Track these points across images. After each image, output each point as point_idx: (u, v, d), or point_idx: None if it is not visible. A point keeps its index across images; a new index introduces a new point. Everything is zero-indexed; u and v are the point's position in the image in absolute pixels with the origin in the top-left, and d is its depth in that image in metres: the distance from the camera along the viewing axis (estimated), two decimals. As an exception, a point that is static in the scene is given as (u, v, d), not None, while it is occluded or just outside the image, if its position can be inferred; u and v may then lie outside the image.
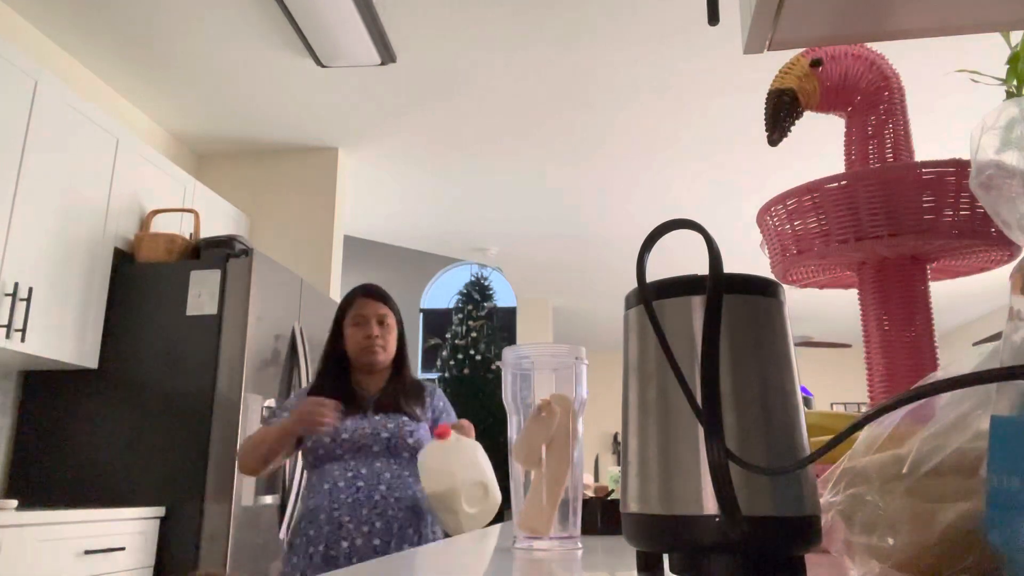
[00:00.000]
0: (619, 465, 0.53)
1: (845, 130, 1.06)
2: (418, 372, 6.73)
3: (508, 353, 0.82)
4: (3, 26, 2.92)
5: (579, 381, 0.80)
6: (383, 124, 3.94)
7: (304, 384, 3.08)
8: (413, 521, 1.77)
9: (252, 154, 4.23)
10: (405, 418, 1.86)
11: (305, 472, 1.90)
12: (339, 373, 1.93)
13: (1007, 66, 0.88)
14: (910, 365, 0.94)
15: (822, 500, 0.48)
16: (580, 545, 0.77)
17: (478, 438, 1.88)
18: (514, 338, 7.21)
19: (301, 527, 1.76)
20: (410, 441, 1.83)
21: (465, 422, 1.85)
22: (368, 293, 1.97)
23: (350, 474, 1.77)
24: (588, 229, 5.43)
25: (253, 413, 2.82)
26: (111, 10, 3.00)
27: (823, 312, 7.35)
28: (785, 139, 1.04)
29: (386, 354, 1.92)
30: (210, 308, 2.89)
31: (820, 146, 3.97)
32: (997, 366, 0.38)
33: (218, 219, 3.65)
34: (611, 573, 0.63)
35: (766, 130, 1.04)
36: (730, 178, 4.52)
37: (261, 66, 3.36)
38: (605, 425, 9.16)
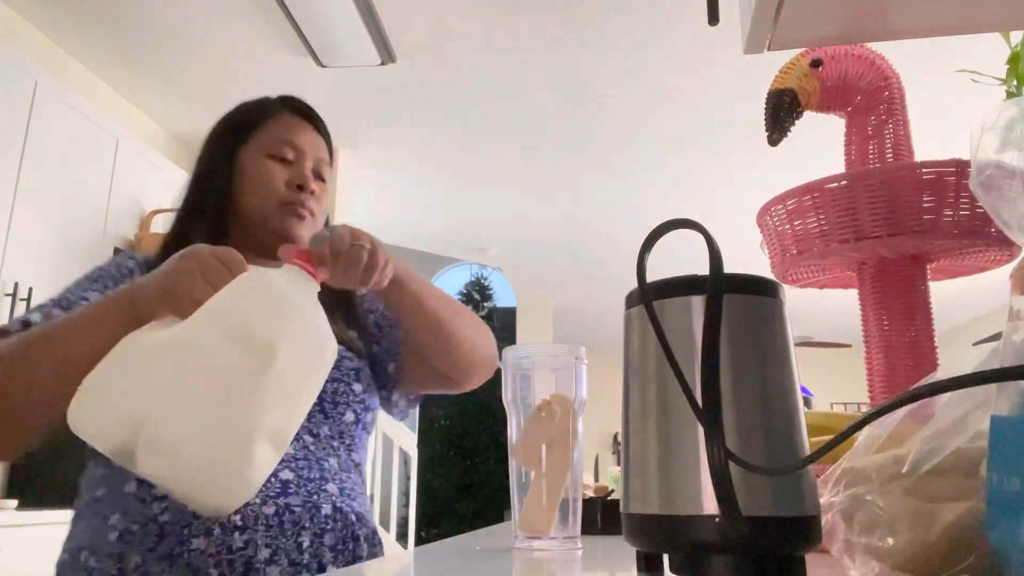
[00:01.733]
0: (619, 465, 0.53)
1: (845, 130, 1.06)
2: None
3: (508, 353, 0.82)
4: (3, 26, 2.92)
5: (579, 381, 0.80)
6: (383, 124, 3.93)
7: None
8: (371, 553, 0.96)
9: (252, 154, 4.23)
10: (341, 348, 0.94)
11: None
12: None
13: (1007, 66, 0.88)
14: (910, 365, 0.94)
15: (822, 500, 0.48)
16: (580, 545, 0.77)
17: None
18: (514, 338, 7.21)
19: (134, 567, 0.80)
20: (357, 389, 0.99)
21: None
22: (303, 111, 1.10)
23: None
24: (588, 229, 5.43)
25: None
26: (111, 10, 3.00)
27: (823, 312, 7.35)
28: (785, 139, 1.04)
29: (313, 230, 1.03)
30: (210, 308, 2.89)
31: (820, 146, 3.97)
32: (997, 366, 0.38)
33: (218, 219, 3.65)
34: (611, 573, 0.63)
35: (766, 130, 1.04)
36: (730, 178, 4.52)
37: (261, 66, 3.36)
38: (605, 425, 9.15)
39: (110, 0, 2.95)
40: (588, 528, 0.90)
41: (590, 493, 1.08)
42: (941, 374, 0.52)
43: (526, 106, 3.77)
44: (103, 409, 0.67)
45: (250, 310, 0.71)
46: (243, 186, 1.02)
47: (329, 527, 0.89)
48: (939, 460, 0.41)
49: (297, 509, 0.86)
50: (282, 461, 0.86)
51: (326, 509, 0.89)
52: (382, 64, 3.31)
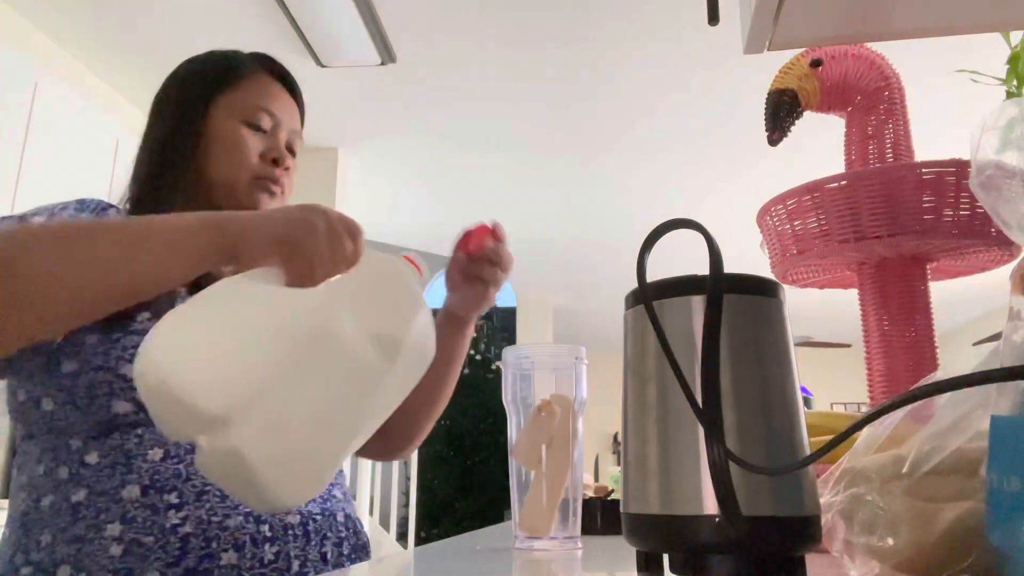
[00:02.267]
0: (619, 465, 0.53)
1: (845, 130, 1.06)
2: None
3: (508, 353, 0.82)
4: (3, 26, 2.91)
5: (579, 381, 0.80)
6: (383, 124, 3.93)
7: None
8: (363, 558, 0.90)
9: (252, 154, 4.23)
10: None
11: (88, 440, 0.77)
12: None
13: (1007, 66, 0.88)
14: (910, 365, 0.94)
15: (822, 500, 0.48)
16: (580, 545, 0.77)
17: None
18: (514, 338, 7.22)
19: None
20: None
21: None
22: (282, 75, 0.99)
23: None
24: (588, 229, 5.43)
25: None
26: (111, 10, 3.00)
27: (823, 312, 7.34)
28: (785, 139, 1.04)
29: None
30: (210, 308, 2.89)
31: (820, 146, 3.97)
32: (997, 366, 0.38)
33: (218, 219, 3.65)
34: (611, 573, 0.63)
35: (766, 130, 1.04)
36: (730, 178, 4.53)
37: (261, 66, 3.36)
38: (605, 425, 9.15)
39: (110, 0, 2.95)
40: (588, 528, 0.90)
41: (590, 493, 1.08)
42: (941, 374, 0.52)
43: (526, 106, 3.77)
44: (215, 374, 0.56)
45: (387, 304, 0.65)
46: (211, 151, 0.90)
47: (344, 535, 0.86)
48: (939, 460, 0.41)
49: (318, 517, 0.83)
50: None
51: (340, 516, 0.86)
52: (382, 64, 3.31)
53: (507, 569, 0.65)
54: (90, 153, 2.89)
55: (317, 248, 0.64)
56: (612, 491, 1.11)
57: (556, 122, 3.92)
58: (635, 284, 0.49)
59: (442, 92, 3.63)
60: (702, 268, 0.47)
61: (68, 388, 0.76)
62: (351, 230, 0.67)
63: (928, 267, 0.99)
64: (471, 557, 0.75)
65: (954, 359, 0.51)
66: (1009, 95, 0.88)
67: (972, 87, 0.95)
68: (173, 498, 0.74)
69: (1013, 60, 0.87)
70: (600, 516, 0.95)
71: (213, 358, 0.56)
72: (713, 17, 0.76)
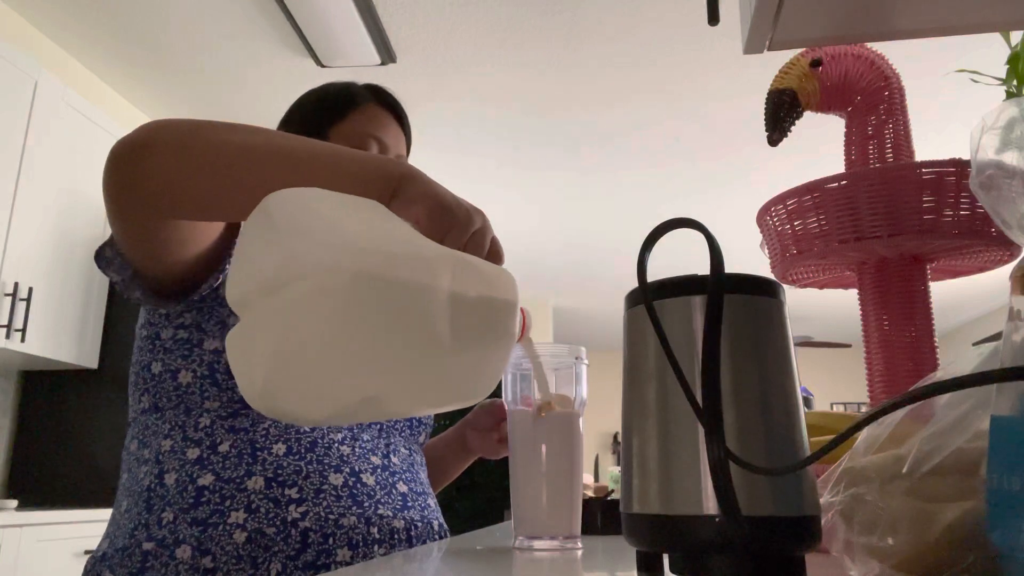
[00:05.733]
0: (619, 465, 0.53)
1: (845, 130, 1.06)
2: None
3: (508, 353, 0.81)
4: (3, 26, 2.91)
5: (579, 381, 0.80)
6: (383, 124, 3.93)
7: None
8: None
9: (252, 154, 4.22)
10: None
11: (216, 421, 0.81)
12: None
13: (1007, 66, 0.88)
14: (910, 365, 0.94)
15: (822, 500, 0.48)
16: (580, 545, 0.77)
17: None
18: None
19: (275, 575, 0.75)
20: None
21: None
22: (390, 105, 1.06)
23: (377, 460, 0.88)
24: (588, 229, 5.43)
25: (253, 413, 2.82)
26: (111, 10, 3.00)
27: (823, 312, 7.35)
28: (785, 139, 1.04)
29: None
30: (210, 308, 2.88)
31: (820, 146, 3.98)
32: (997, 366, 0.38)
33: (218, 219, 3.65)
34: (611, 573, 0.63)
35: (766, 130, 1.04)
36: (730, 178, 4.53)
37: (261, 66, 3.35)
38: (605, 425, 9.15)
39: (111, 1, 2.95)
40: (588, 528, 0.90)
41: (590, 493, 1.08)
42: (941, 374, 0.52)
43: (525, 106, 3.77)
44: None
45: (483, 312, 0.59)
46: None
47: (437, 541, 0.89)
48: (939, 460, 0.41)
49: (419, 524, 0.87)
50: (396, 473, 0.88)
51: (435, 524, 0.91)
52: (382, 64, 3.31)
53: (507, 569, 0.65)
54: (90, 153, 2.89)
55: (469, 220, 0.61)
56: (612, 491, 1.11)
57: (556, 122, 3.92)
58: (635, 284, 0.49)
59: (442, 92, 3.63)
60: (702, 268, 0.47)
61: (210, 363, 0.80)
62: (497, 245, 0.66)
63: (928, 267, 0.99)
64: (471, 557, 0.75)
65: (954, 359, 0.51)
66: (1009, 95, 0.88)
67: (972, 87, 0.95)
68: (294, 493, 0.78)
69: (1013, 60, 0.87)
70: (600, 516, 0.95)
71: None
72: (713, 17, 0.76)
